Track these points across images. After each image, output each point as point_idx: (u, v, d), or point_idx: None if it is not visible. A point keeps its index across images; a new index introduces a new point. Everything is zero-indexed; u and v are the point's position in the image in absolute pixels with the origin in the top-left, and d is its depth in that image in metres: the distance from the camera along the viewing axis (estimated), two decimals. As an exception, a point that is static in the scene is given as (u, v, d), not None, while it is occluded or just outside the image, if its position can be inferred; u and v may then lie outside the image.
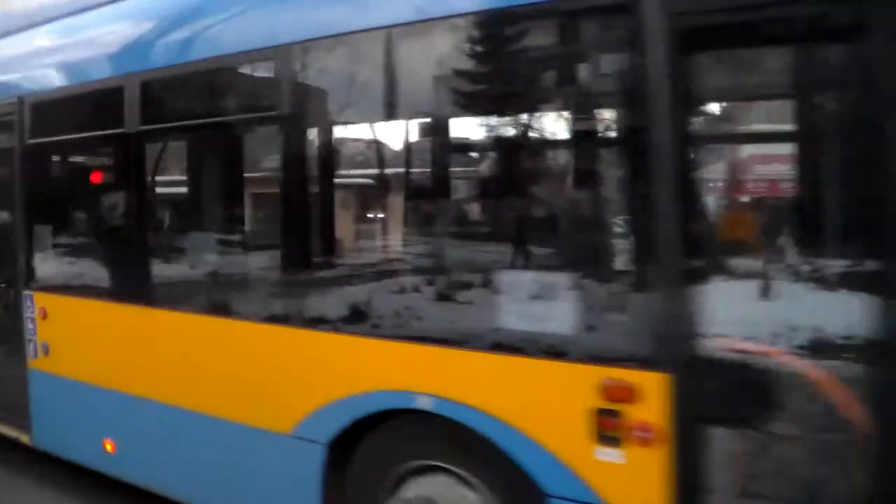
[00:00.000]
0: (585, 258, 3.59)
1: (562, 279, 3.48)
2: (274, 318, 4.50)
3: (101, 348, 5.60)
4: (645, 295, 3.28)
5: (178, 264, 5.49)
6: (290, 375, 4.45)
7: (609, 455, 3.41)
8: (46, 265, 6.12)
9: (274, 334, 4.51)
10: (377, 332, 4.07)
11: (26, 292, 6.08)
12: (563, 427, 3.50)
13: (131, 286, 5.43)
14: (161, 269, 5.41)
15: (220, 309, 4.91)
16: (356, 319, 4.15)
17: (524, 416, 3.59)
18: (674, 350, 3.27)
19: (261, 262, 4.91)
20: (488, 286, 3.73)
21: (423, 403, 3.84)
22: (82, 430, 5.76)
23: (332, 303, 4.28)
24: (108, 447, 5.55)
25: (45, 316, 5.96)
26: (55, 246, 6.26)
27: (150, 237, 5.55)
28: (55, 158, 6.64)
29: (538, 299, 3.57)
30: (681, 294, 3.23)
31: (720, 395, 3.41)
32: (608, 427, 3.42)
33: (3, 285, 6.37)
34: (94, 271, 5.85)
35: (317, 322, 4.30)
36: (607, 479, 3.44)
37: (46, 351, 5.95)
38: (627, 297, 3.41)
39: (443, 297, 3.94)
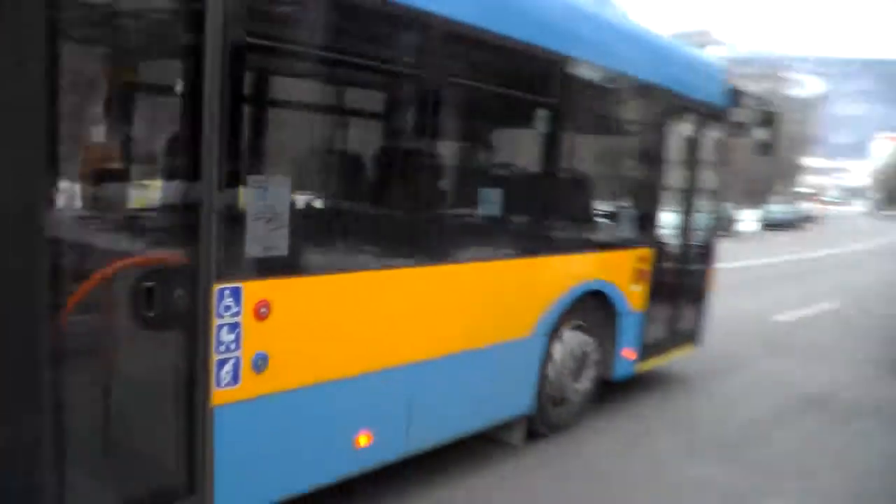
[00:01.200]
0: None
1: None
2: (524, 251, 6.51)
3: (362, 328, 5.03)
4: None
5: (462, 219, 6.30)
6: (532, 293, 6.59)
7: (636, 287, 8.08)
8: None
9: (522, 265, 6.46)
10: (571, 250, 7.14)
11: (225, 285, 4.20)
12: (626, 278, 7.90)
13: (420, 246, 5.40)
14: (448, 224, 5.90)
15: (489, 254, 6.25)
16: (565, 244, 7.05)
17: (616, 278, 7.76)
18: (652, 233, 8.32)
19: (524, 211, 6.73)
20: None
21: (592, 285, 7.38)
22: (310, 445, 4.86)
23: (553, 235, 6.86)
24: (363, 440, 5.18)
25: (264, 314, 4.40)
26: (304, 213, 5.26)
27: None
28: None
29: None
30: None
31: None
32: (637, 275, 8.04)
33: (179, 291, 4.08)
34: (359, 237, 5.18)
35: (547, 249, 6.72)
36: (634, 298, 8.06)
37: (259, 366, 4.42)
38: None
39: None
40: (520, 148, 7.42)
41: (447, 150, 6.01)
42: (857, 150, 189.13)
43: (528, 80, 6.34)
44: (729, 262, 20.63)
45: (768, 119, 9.75)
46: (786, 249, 32.76)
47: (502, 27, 5.71)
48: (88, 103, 4.51)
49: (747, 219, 45.16)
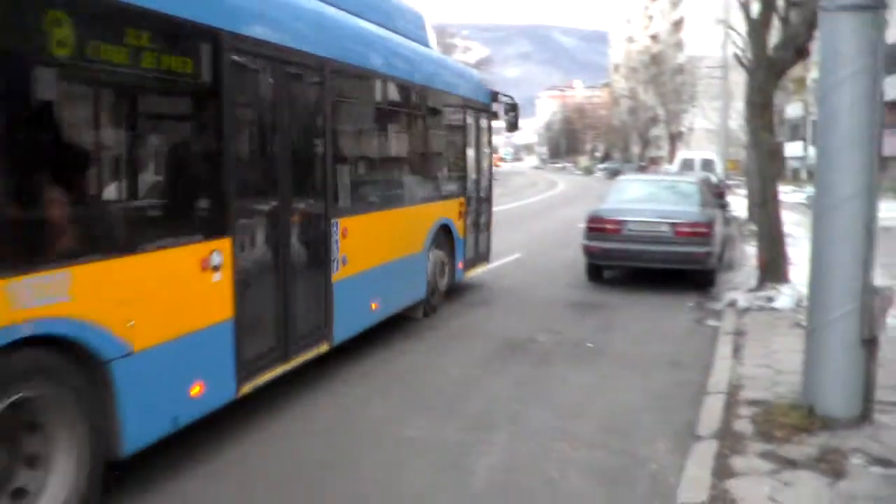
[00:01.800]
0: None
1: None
2: (418, 201, 11.13)
3: (374, 244, 9.41)
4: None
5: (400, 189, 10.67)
6: (422, 225, 11.16)
7: (460, 222, 12.78)
8: (345, 197, 8.73)
9: (419, 209, 11.06)
10: (434, 200, 11.78)
11: (333, 220, 8.22)
12: (456, 217, 12.63)
13: (395, 200, 10.37)
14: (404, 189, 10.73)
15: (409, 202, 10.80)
16: (431, 197, 11.72)
17: (453, 216, 12.44)
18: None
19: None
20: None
21: (444, 221, 12.03)
22: (360, 305, 9.05)
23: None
24: (374, 306, 9.46)
25: (345, 234, 8.43)
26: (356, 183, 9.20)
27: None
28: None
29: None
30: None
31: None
32: (460, 215, 12.81)
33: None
34: (378, 196, 9.99)
35: (424, 200, 11.37)
36: (460, 229, 12.81)
37: (345, 262, 8.46)
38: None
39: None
40: (412, 141, 11.10)
41: (384, 146, 10.38)
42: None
43: (414, 106, 11.03)
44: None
45: (512, 107, 14.74)
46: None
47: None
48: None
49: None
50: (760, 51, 13.32)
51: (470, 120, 13.13)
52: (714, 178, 26.54)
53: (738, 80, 32.25)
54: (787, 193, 37.20)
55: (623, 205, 14.70)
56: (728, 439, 6.31)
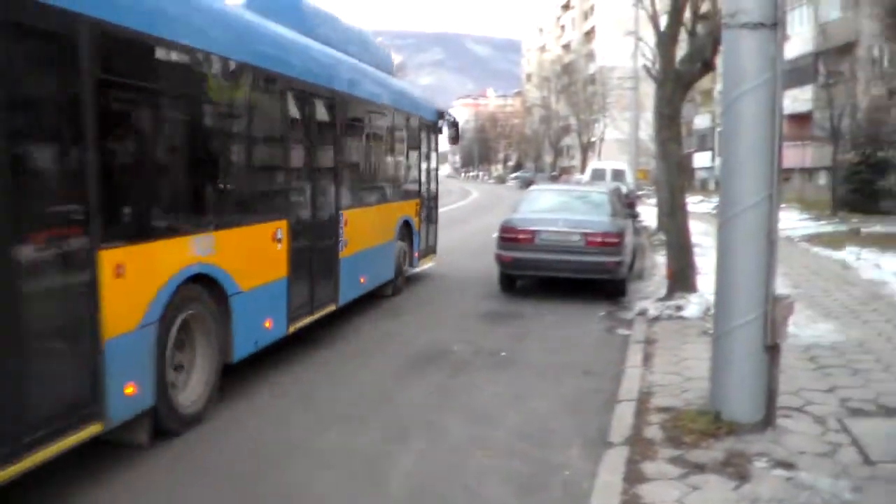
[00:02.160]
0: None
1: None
2: (385, 201, 13.71)
3: (364, 231, 11.99)
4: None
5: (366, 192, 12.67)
6: (392, 219, 13.91)
7: (417, 219, 15.89)
8: (347, 194, 11.39)
9: (388, 207, 13.79)
10: (398, 200, 14.66)
11: (340, 211, 10.93)
12: (414, 215, 15.58)
13: (376, 199, 13.01)
14: (382, 190, 13.49)
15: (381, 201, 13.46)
16: (395, 197, 14.45)
17: (413, 215, 15.56)
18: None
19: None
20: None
21: (406, 218, 15.11)
22: (355, 278, 11.77)
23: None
24: (362, 280, 12.12)
25: (346, 222, 11.10)
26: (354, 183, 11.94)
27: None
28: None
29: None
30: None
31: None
32: (417, 213, 15.79)
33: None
34: (366, 195, 12.52)
35: (390, 199, 14.02)
36: (418, 224, 15.80)
37: (346, 244, 11.11)
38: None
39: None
40: (385, 150, 13.93)
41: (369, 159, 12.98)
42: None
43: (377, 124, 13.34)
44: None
45: (454, 124, 17.98)
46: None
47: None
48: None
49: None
50: (668, 63, 13.68)
51: (423, 134, 16.06)
52: (624, 188, 27.06)
53: (649, 91, 32.90)
54: (696, 203, 38.21)
55: (535, 215, 14.89)
56: (639, 445, 6.48)
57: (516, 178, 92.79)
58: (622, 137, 63.68)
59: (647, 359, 9.54)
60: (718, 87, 46.89)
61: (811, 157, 45.41)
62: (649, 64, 15.50)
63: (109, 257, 5.83)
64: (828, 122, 34.60)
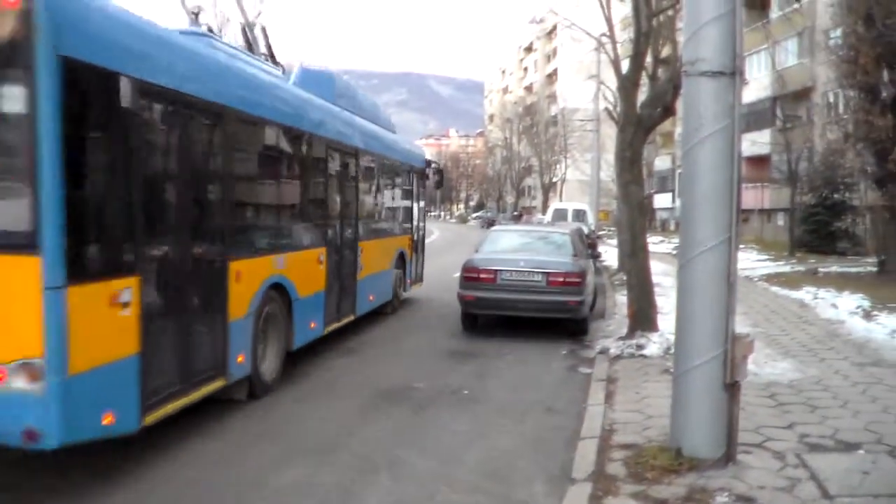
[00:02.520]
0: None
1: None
2: (385, 236, 16.68)
3: (373, 259, 14.87)
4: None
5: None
6: (391, 251, 16.90)
7: (409, 251, 18.92)
8: (363, 229, 14.39)
9: (387, 241, 16.59)
10: (395, 235, 17.88)
11: (358, 243, 13.83)
12: (407, 247, 18.61)
13: (381, 233, 16.03)
14: (385, 226, 16.72)
15: (383, 236, 16.45)
16: (393, 233, 17.64)
17: (406, 247, 18.29)
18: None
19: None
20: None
21: (400, 250, 18.05)
22: (367, 296, 14.58)
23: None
24: (371, 298, 14.92)
25: (362, 252, 13.93)
26: (367, 220, 14.85)
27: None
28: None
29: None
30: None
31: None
32: (409, 247, 19.01)
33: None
34: (375, 230, 15.38)
35: (389, 235, 17.08)
36: (410, 255, 18.94)
37: (362, 268, 13.93)
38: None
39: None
40: (389, 194, 17.03)
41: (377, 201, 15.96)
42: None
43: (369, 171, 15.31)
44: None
45: (438, 171, 21.04)
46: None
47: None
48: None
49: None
50: (630, 107, 13.97)
51: (414, 180, 19.07)
52: (586, 229, 27.33)
53: (610, 132, 33.25)
54: (657, 244, 38.63)
55: (497, 255, 15.05)
56: (602, 481, 6.59)
57: (478, 217, 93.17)
58: (584, 178, 64.23)
59: (609, 397, 9.67)
60: (679, 129, 47.45)
61: (769, 199, 46.27)
62: (611, 107, 15.82)
63: (234, 267, 8.68)
64: (785, 165, 35.42)
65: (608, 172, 45.79)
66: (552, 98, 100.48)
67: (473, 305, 14.64)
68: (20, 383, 5.65)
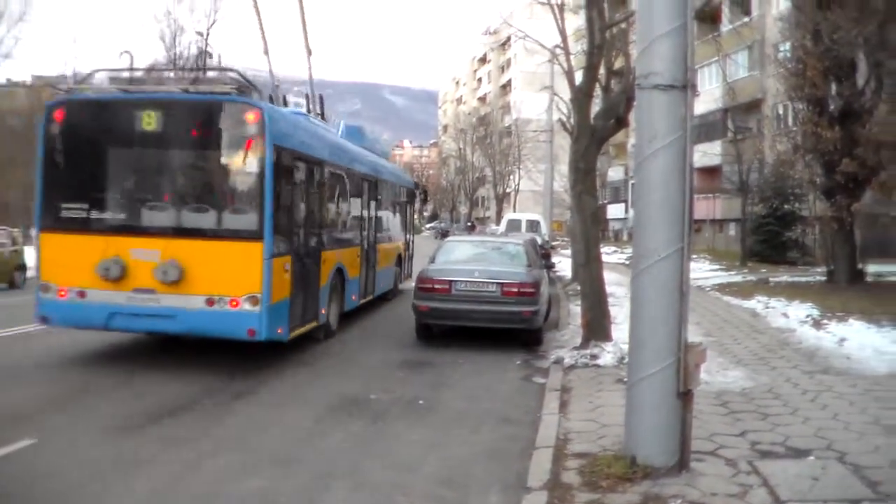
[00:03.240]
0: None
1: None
2: (389, 240, 22.07)
3: (384, 257, 20.62)
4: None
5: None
6: (393, 252, 22.46)
7: (402, 252, 24.77)
8: (379, 234, 20.02)
9: (390, 245, 22.13)
10: (395, 241, 23.66)
11: (376, 244, 19.53)
12: (402, 249, 24.31)
13: (388, 238, 21.50)
14: (389, 233, 22.00)
15: (386, 240, 21.73)
16: (394, 238, 23.16)
17: (401, 249, 24.23)
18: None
19: None
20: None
21: (399, 250, 24.37)
22: (379, 283, 20.08)
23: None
24: (381, 285, 20.70)
25: (378, 251, 19.80)
26: (380, 228, 20.50)
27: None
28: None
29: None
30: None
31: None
32: (404, 249, 24.77)
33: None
34: (385, 235, 21.08)
35: (392, 240, 22.58)
36: (404, 256, 24.82)
37: (377, 262, 19.70)
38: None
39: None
40: (392, 209, 22.24)
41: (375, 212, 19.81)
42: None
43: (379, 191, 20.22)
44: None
45: (424, 191, 27.20)
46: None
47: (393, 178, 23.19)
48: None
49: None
50: (583, 118, 14.12)
51: (407, 197, 24.59)
52: (540, 239, 27.51)
53: (564, 143, 33.41)
54: (610, 254, 38.92)
55: (451, 265, 15.11)
56: (557, 490, 6.66)
57: (432, 228, 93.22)
58: (537, 189, 64.50)
59: (564, 406, 9.76)
60: (632, 140, 47.94)
61: (721, 209, 46.89)
62: (564, 118, 15.97)
63: (323, 255, 14.28)
64: (737, 176, 36.05)
65: (562, 183, 46.15)
66: (506, 109, 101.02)
67: (428, 316, 14.66)
68: (247, 306, 11.46)
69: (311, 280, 13.73)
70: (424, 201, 27.85)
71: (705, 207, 47.52)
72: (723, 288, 24.28)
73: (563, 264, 30.68)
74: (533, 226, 34.89)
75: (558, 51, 23.08)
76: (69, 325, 12.46)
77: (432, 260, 15.73)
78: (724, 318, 17.68)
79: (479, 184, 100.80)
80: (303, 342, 13.71)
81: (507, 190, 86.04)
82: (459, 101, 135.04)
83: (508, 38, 79.13)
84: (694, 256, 36.09)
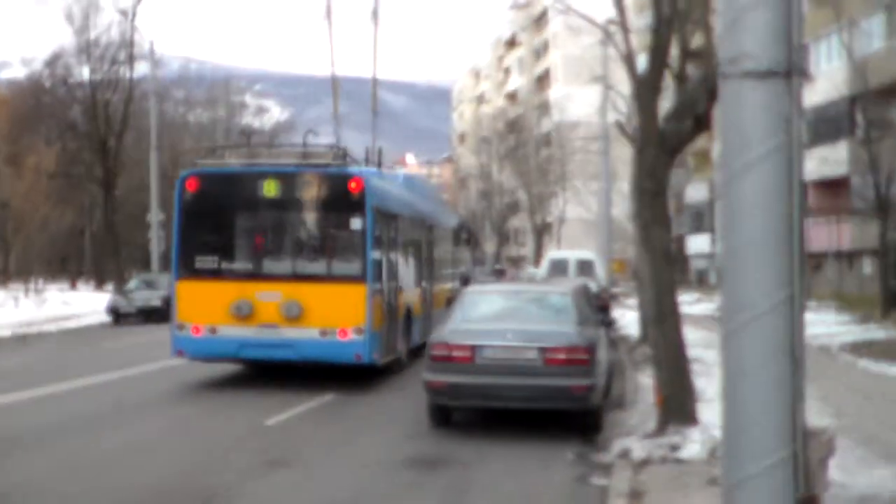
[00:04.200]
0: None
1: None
2: (442, 282, 32.31)
3: (438, 299, 28.81)
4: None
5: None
6: (442, 295, 30.72)
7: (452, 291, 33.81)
8: (436, 276, 29.85)
9: (443, 287, 31.26)
10: (445, 283, 33.21)
11: (435, 285, 28.96)
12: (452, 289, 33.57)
13: (439, 280, 30.50)
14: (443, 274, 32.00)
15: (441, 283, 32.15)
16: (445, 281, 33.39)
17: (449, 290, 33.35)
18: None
19: None
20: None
21: (449, 293, 31.52)
22: (437, 321, 23.26)
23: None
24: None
25: (433, 293, 28.60)
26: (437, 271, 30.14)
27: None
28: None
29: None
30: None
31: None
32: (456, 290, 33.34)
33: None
34: (440, 277, 30.62)
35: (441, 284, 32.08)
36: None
37: (433, 304, 28.01)
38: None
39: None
40: (449, 252, 32.89)
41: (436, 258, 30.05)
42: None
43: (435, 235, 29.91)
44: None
45: (469, 230, 40.52)
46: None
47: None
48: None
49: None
50: (650, 120, 13.97)
51: (454, 239, 32.62)
52: (595, 286, 27.51)
53: (624, 154, 33.27)
54: (692, 304, 38.88)
55: (475, 325, 15.04)
56: None
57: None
58: (589, 217, 64.70)
59: (635, 519, 9.63)
60: (718, 146, 47.72)
61: (850, 238, 45.71)
62: (623, 119, 15.89)
63: (400, 296, 22.46)
64: (871, 190, 35.21)
65: (622, 208, 46.11)
66: (544, 109, 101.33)
67: (445, 395, 14.53)
68: (354, 335, 18.78)
69: (394, 317, 21.73)
70: (469, 241, 37.20)
71: (826, 236, 46.67)
72: (857, 348, 24.09)
73: (628, 319, 30.61)
74: (585, 267, 34.99)
75: (613, 28, 23.05)
76: (202, 357, 20.30)
77: (449, 318, 15.63)
78: (863, 391, 17.52)
79: (509, 212, 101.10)
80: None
81: (548, 219, 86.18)
82: (481, 99, 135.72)
83: (545, 13, 79.76)
84: (812, 305, 35.53)
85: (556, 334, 14.42)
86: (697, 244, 68.66)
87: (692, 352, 14.45)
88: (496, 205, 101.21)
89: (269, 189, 19.65)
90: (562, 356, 13.98)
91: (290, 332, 18.88)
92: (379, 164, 25.48)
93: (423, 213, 27.31)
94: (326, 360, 19.21)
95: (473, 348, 14.27)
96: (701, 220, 68.94)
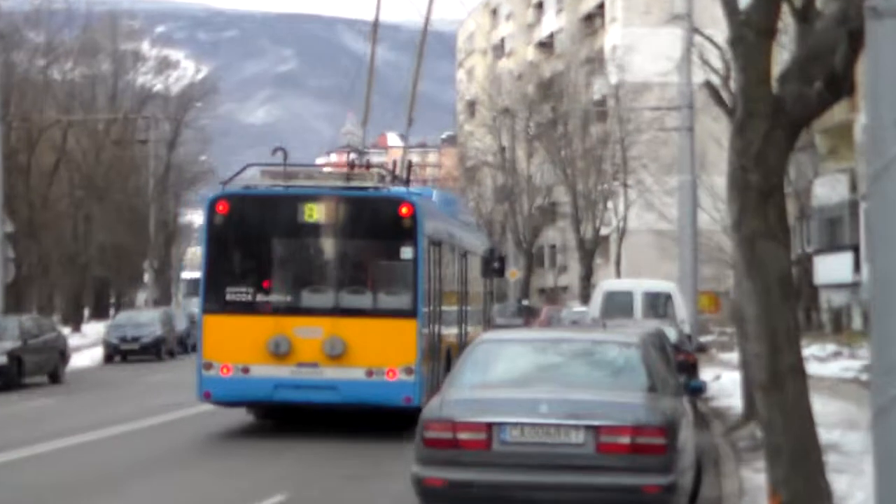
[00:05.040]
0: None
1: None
2: (477, 324, 44.49)
3: (474, 325, 40.75)
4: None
5: None
6: (478, 330, 42.21)
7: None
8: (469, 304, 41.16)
9: (476, 328, 43.22)
10: (476, 324, 44.83)
11: (467, 314, 40.09)
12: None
13: (477, 302, 43.96)
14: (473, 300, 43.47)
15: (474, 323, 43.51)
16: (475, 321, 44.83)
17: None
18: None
19: None
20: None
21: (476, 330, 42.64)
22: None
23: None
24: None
25: (468, 316, 39.80)
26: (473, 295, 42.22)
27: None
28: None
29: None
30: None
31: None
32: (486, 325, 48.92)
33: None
34: (475, 301, 43.41)
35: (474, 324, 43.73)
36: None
37: (469, 334, 37.44)
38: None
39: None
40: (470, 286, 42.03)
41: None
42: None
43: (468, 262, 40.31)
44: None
45: (500, 256, 50.77)
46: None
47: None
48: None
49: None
50: (757, 82, 13.84)
51: (487, 261, 39.81)
52: (674, 332, 27.52)
53: (717, 131, 33.16)
54: (824, 360, 38.86)
55: (492, 392, 15.07)
56: None
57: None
58: (665, 227, 64.80)
59: None
60: (862, 120, 47.69)
61: None
62: (717, 81, 15.80)
63: (442, 333, 31.58)
64: None
65: (716, 212, 46.02)
66: (595, 65, 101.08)
67: (447, 497, 14.47)
68: (403, 376, 26.13)
69: (437, 357, 27.41)
70: (498, 270, 42.68)
71: None
72: None
73: (725, 383, 30.65)
74: (658, 305, 35.26)
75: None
76: (231, 400, 25.23)
77: (452, 380, 15.53)
78: None
79: (543, 220, 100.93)
80: None
81: (603, 231, 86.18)
82: (499, 51, 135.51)
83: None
84: None
85: (615, 407, 14.32)
86: (832, 268, 68.01)
87: (827, 435, 14.44)
88: (522, 209, 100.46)
89: (311, 213, 24.52)
90: (625, 440, 13.85)
91: (333, 373, 23.79)
92: (407, 182, 30.90)
93: (461, 239, 35.07)
94: (372, 404, 24.26)
95: (490, 427, 14.07)
96: (836, 229, 68.10)
